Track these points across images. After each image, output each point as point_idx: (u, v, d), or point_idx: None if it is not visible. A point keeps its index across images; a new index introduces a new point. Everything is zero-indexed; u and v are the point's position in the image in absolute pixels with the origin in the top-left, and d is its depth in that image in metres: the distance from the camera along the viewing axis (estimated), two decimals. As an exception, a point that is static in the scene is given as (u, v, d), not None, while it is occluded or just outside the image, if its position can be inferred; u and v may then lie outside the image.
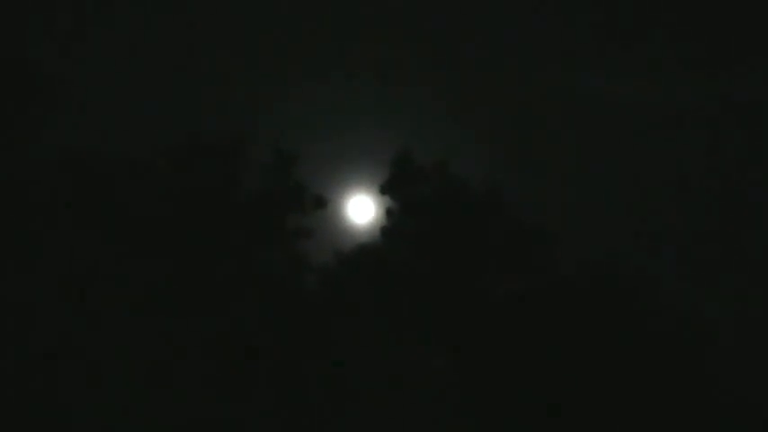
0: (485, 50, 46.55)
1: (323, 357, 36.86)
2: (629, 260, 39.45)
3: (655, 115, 44.73)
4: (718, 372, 38.30)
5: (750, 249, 41.08)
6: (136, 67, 42.58)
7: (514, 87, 44.36)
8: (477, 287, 39.04)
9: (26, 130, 38.12)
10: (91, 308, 35.89)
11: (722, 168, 43.16)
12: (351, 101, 44.28)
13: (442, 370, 37.69)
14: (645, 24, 46.82)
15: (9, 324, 35.15)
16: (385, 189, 40.15)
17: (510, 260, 39.51)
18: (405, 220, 40.03)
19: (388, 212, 40.10)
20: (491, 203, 39.90)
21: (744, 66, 45.13)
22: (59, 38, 42.01)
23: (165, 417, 34.90)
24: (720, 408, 37.65)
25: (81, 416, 34.38)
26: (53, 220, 36.77)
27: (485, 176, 40.16)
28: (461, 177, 40.18)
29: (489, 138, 43.66)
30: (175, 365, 35.65)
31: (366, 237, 40.24)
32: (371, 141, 42.74)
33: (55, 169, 37.57)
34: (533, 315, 38.17)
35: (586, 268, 39.49)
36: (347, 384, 36.63)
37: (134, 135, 38.75)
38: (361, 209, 41.21)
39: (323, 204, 39.48)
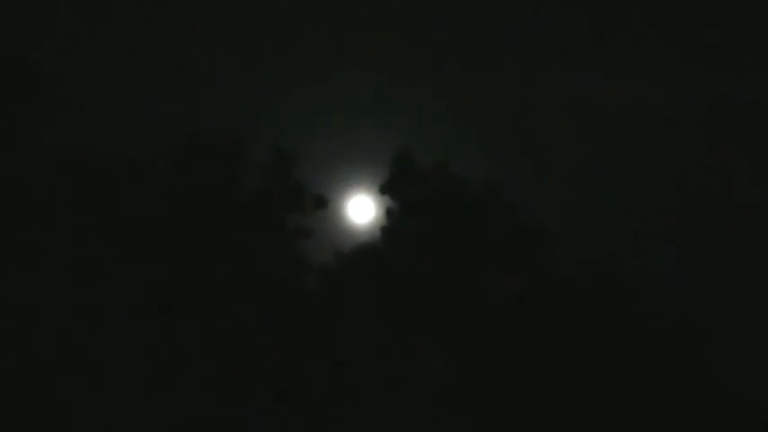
0: (485, 50, 46.56)
1: (323, 357, 36.86)
2: (629, 260, 39.45)
3: (655, 115, 44.74)
4: (718, 372, 38.30)
5: (750, 249, 41.08)
6: (136, 67, 42.59)
7: (514, 87, 44.37)
8: (477, 287, 39.04)
9: (26, 130, 38.11)
10: (91, 308, 35.88)
11: (722, 168, 43.16)
12: (351, 101, 44.30)
13: (442, 370, 37.69)
14: (645, 24, 46.82)
15: (9, 324, 35.14)
16: (385, 189, 40.15)
17: (510, 260, 39.51)
18: (405, 220, 40.03)
19: (388, 212, 40.10)
20: (491, 203, 39.90)
21: (744, 66, 45.13)
22: (59, 38, 42.01)
23: (165, 417, 34.90)
24: (720, 408, 37.65)
25: (81, 416, 34.37)
26: (53, 220, 36.76)
27: (485, 176, 40.18)
28: (461, 177, 40.18)
29: (489, 138, 43.67)
30: (175, 365, 35.64)
31: (366, 237, 40.26)
32: (371, 141, 42.76)
33: (55, 169, 37.56)
34: (533, 315, 38.18)
35: (586, 268, 39.49)
36: (347, 384, 36.63)
37: (134, 135, 38.76)
38: (361, 209, 41.24)
39: (323, 204, 39.48)
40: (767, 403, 37.94)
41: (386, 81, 45.02)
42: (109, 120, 39.53)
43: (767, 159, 43.24)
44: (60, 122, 38.57)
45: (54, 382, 34.65)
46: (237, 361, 36.21)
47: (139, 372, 35.26)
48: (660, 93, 44.69)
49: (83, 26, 43.62)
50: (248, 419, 35.67)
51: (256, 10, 45.86)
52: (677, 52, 45.81)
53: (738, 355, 38.65)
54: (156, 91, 41.34)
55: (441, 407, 36.79)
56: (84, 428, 34.32)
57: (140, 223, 37.42)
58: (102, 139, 38.51)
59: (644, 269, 39.42)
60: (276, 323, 37.09)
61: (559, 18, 46.60)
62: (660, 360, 37.90)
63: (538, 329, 37.93)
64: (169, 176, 38.55)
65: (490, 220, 39.82)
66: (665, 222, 41.47)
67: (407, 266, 39.21)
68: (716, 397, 37.79)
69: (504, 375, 37.46)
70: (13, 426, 33.86)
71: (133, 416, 34.61)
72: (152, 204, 37.92)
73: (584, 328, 38.15)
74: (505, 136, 43.80)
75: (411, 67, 45.52)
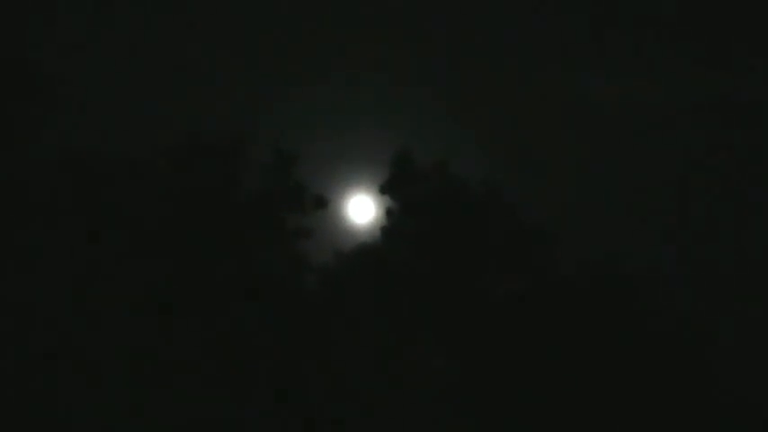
0: (485, 50, 46.56)
1: (323, 357, 36.86)
2: (629, 260, 39.46)
3: (655, 115, 44.75)
4: (718, 372, 38.30)
5: (750, 249, 41.08)
6: (136, 67, 42.60)
7: (514, 87, 44.38)
8: (477, 287, 39.04)
9: (26, 130, 38.12)
10: (91, 308, 35.89)
11: (722, 168, 43.16)
12: (351, 101, 44.31)
13: (442, 370, 37.69)
14: (645, 24, 46.82)
15: (9, 324, 35.14)
16: (385, 189, 40.16)
17: (510, 260, 39.52)
18: (405, 220, 40.04)
19: (388, 212, 40.11)
20: (491, 203, 39.90)
21: (744, 66, 45.14)
22: (59, 38, 42.01)
23: (165, 417, 34.90)
24: (720, 408, 37.65)
25: (81, 416, 34.37)
26: (53, 220, 36.76)
27: (485, 176, 40.18)
28: (461, 177, 40.18)
29: (489, 138, 43.68)
30: (175, 365, 35.64)
31: (366, 237, 40.26)
32: (371, 141, 42.77)
33: (55, 169, 37.56)
34: (533, 315, 38.18)
35: (586, 268, 39.49)
36: (347, 384, 36.63)
37: (134, 135, 38.76)
38: (361, 209, 41.24)
39: (323, 204, 39.48)
40: (767, 403, 37.94)
41: (386, 81, 45.05)
42: (109, 120, 39.54)
43: (767, 159, 43.25)
44: (60, 122, 38.57)
45: (54, 382, 34.65)
46: (237, 361, 36.21)
47: (139, 372, 35.25)
48: (660, 93, 44.71)
49: (83, 26, 43.64)
50: (248, 419, 35.66)
51: (256, 10, 45.88)
52: (677, 52, 45.83)
53: (738, 355, 38.65)
54: (156, 91, 41.37)
55: (441, 407, 36.78)
56: (84, 428, 34.31)
57: (140, 223, 37.42)
58: (102, 139, 38.52)
59: (644, 269, 39.42)
60: (276, 323, 37.09)
61: (559, 18, 46.62)
62: (660, 360, 37.90)
63: (538, 329, 37.93)
64: (169, 176, 38.55)
65: (490, 220, 39.83)
66: (665, 222, 41.49)
67: (407, 266, 39.21)
68: (716, 397, 37.80)
69: (504, 375, 37.46)
70: (13, 426, 33.86)
71: (133, 416, 34.60)
72: (152, 204, 37.92)
73: (585, 328, 38.15)
74: (505, 136, 43.83)
75: (411, 67, 45.56)
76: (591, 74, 45.50)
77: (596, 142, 43.73)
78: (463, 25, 47.20)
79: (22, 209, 36.61)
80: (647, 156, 43.49)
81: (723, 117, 44.33)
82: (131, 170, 38.21)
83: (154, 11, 44.06)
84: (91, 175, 37.71)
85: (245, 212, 38.77)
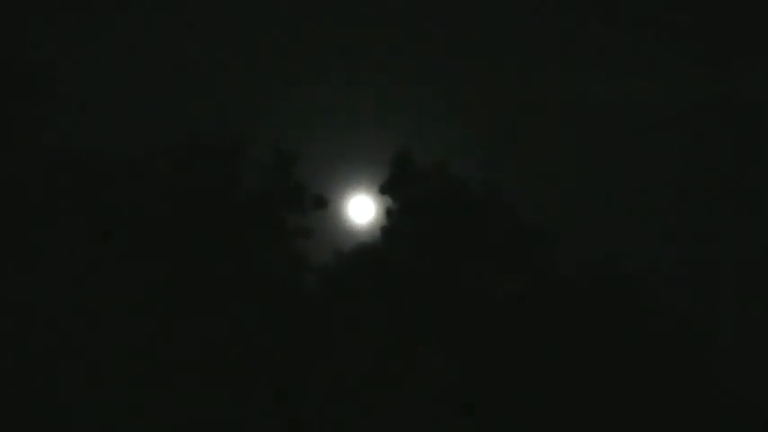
0: (485, 50, 46.57)
1: (323, 357, 36.86)
2: (629, 260, 39.46)
3: (655, 115, 44.74)
4: (718, 372, 38.31)
5: (750, 249, 41.09)
6: (136, 67, 42.60)
7: (514, 87, 44.37)
8: (477, 287, 39.04)
9: (26, 130, 38.11)
10: (91, 308, 35.88)
11: (722, 168, 43.17)
12: (351, 101, 44.31)
13: (442, 370, 37.69)
14: (645, 24, 46.82)
15: (9, 324, 35.14)
16: (385, 189, 40.16)
17: (510, 260, 39.51)
18: (405, 220, 40.04)
19: (388, 212, 40.11)
20: (491, 203, 39.90)
21: (744, 66, 45.15)
22: (59, 38, 42.02)
23: (165, 417, 34.90)
24: (720, 408, 37.65)
25: (81, 416, 34.37)
26: (53, 220, 36.76)
27: (485, 176, 40.18)
28: (461, 177, 40.18)
29: (489, 138, 43.68)
30: (175, 365, 35.64)
31: (366, 237, 40.26)
32: (371, 141, 42.78)
33: (55, 169, 37.56)
34: (533, 315, 38.17)
35: (586, 268, 39.49)
36: (347, 384, 36.63)
37: (134, 135, 38.76)
38: (361, 209, 41.25)
39: (323, 204, 39.47)
40: (767, 403, 37.94)
41: (386, 81, 45.06)
42: (109, 120, 39.55)
43: (767, 159, 43.25)
44: (60, 122, 38.57)
45: (54, 382, 34.65)
46: (237, 361, 36.21)
47: (139, 372, 35.25)
48: (660, 93, 44.71)
49: (83, 26, 43.65)
50: (248, 419, 35.66)
51: (256, 10, 45.88)
52: (677, 52, 45.84)
53: (738, 355, 38.66)
54: (156, 91, 41.37)
55: (441, 407, 36.78)
56: (84, 428, 34.31)
57: (140, 223, 37.42)
58: (102, 139, 38.52)
59: (644, 269, 39.43)
60: (276, 323, 37.09)
61: (559, 18, 46.63)
62: (660, 360, 37.91)
63: (538, 329, 37.93)
64: (169, 176, 38.55)
65: (490, 220, 39.82)
66: (665, 222, 41.48)
67: (407, 266, 39.21)
68: (716, 397, 37.80)
69: (504, 375, 37.46)
70: (13, 426, 33.86)
71: (133, 416, 34.60)
72: (152, 204, 37.92)
73: (585, 328, 38.15)
74: (505, 136, 43.82)
75: (411, 67, 45.56)
76: (591, 74, 45.52)
77: (596, 142, 43.75)
78: (463, 25, 47.22)
79: (22, 209, 36.60)
80: (647, 156, 43.51)
81: (723, 117, 44.34)
82: (131, 170, 38.21)
83: (154, 11, 44.09)
84: (91, 175, 37.70)
85: (245, 212, 38.77)
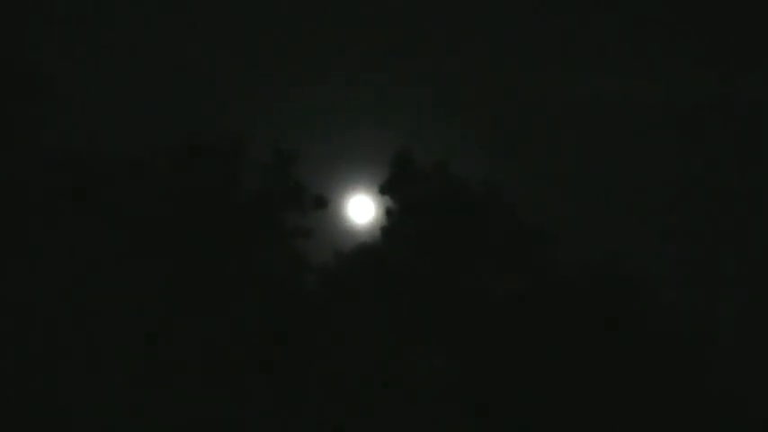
0: (485, 50, 46.56)
1: (323, 357, 36.85)
2: (629, 260, 39.45)
3: (655, 115, 44.75)
4: (718, 371, 38.30)
5: (750, 249, 41.09)
6: (136, 67, 42.59)
7: (514, 87, 44.36)
8: (478, 287, 39.03)
9: (26, 130, 38.10)
10: (91, 308, 35.88)
11: (722, 168, 43.16)
12: (351, 101, 44.30)
13: (442, 370, 37.68)
14: (645, 24, 46.82)
15: (9, 324, 35.14)
16: (385, 189, 40.15)
17: (510, 260, 39.51)
18: (405, 220, 40.03)
19: (388, 212, 40.11)
20: (491, 203, 39.89)
21: (744, 66, 45.14)
22: (59, 38, 42.00)
23: (165, 417, 34.90)
24: (720, 407, 37.64)
25: (81, 416, 34.37)
26: (53, 220, 36.75)
27: (485, 176, 40.17)
28: (461, 177, 40.17)
29: (489, 138, 43.68)
30: (175, 365, 35.63)
31: (366, 237, 40.26)
32: (371, 141, 42.77)
33: (55, 169, 37.56)
34: (533, 315, 38.17)
35: (586, 268, 39.48)
36: (347, 384, 36.62)
37: (134, 135, 38.75)
38: (361, 209, 41.25)
39: (323, 204, 39.46)
40: (767, 403, 37.94)
41: (386, 81, 45.05)
42: (109, 120, 39.54)
43: (767, 159, 43.25)
44: (60, 122, 38.56)
45: (54, 382, 34.64)
46: (237, 361, 36.20)
47: (139, 372, 35.25)
48: (660, 93, 44.70)
49: (83, 26, 43.64)
50: (248, 419, 35.66)
51: (256, 10, 45.88)
52: (677, 52, 45.83)
53: (738, 355, 38.66)
54: (156, 91, 41.36)
55: (441, 407, 36.77)
56: (84, 428, 34.31)
57: (140, 223, 37.41)
58: (102, 139, 38.51)
59: (644, 269, 39.42)
60: (276, 323, 37.08)
61: (559, 18, 46.62)
62: (660, 360, 37.90)
63: (538, 329, 37.92)
64: (169, 176, 38.54)
65: (490, 220, 39.82)
66: (665, 222, 41.48)
67: (407, 266, 39.20)
68: (716, 397, 37.79)
69: (504, 375, 37.45)
70: (13, 426, 33.86)
71: (133, 416, 34.60)
72: (152, 204, 37.91)
73: (585, 328, 38.14)
74: (505, 136, 43.82)
75: (411, 67, 45.54)
76: (591, 74, 45.50)
77: (596, 142, 43.74)
78: (463, 25, 47.22)
79: (22, 209, 36.60)
80: (647, 156, 43.50)
81: (723, 117, 44.33)
82: (131, 170, 38.20)
83: (154, 11, 44.07)
84: (91, 175, 37.69)
85: (245, 212, 38.76)
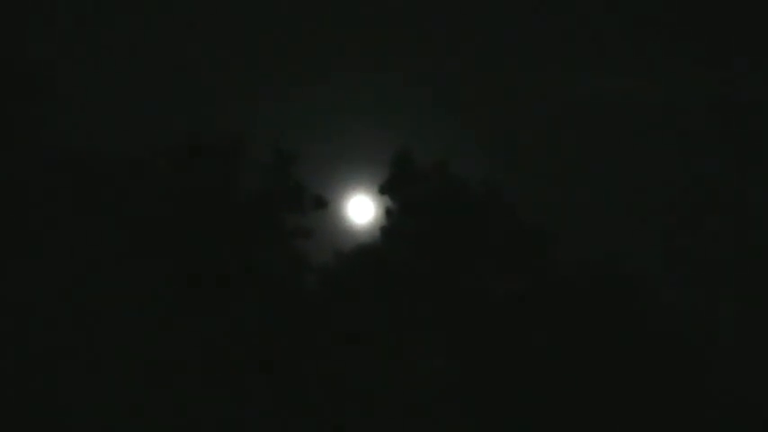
0: (485, 50, 46.56)
1: (323, 357, 36.86)
2: (629, 260, 39.45)
3: (655, 115, 44.72)
4: (718, 371, 38.30)
5: (750, 249, 41.08)
6: (136, 67, 42.58)
7: (514, 87, 44.35)
8: (477, 287, 39.04)
9: (26, 130, 38.11)
10: (91, 308, 35.88)
11: (722, 168, 43.15)
12: (351, 101, 44.29)
13: (442, 370, 37.68)
14: (645, 24, 46.81)
15: (9, 324, 35.14)
16: (385, 189, 40.16)
17: (510, 260, 39.51)
18: (405, 220, 40.03)
19: (388, 212, 40.11)
20: (491, 203, 39.90)
21: (744, 66, 45.11)
22: (59, 38, 42.00)
23: (165, 417, 34.90)
24: (720, 408, 37.65)
25: (81, 416, 34.37)
26: (53, 220, 36.76)
27: (485, 176, 40.17)
28: (461, 177, 40.18)
29: (489, 138, 43.65)
30: (175, 365, 35.64)
31: (366, 237, 40.26)
32: (371, 141, 42.76)
33: (55, 169, 37.56)
34: (533, 315, 38.17)
35: (586, 268, 39.49)
36: (347, 384, 36.62)
37: (134, 135, 38.76)
38: (361, 209, 41.25)
39: (323, 204, 39.47)
40: (767, 403, 37.94)
41: (386, 81, 45.02)
42: (109, 120, 39.54)
43: (767, 159, 43.24)
44: (60, 122, 38.57)
45: (54, 382, 34.64)
46: (237, 361, 36.20)
47: (139, 372, 35.25)
48: (660, 93, 44.68)
49: (83, 26, 43.63)
50: (248, 419, 35.66)
51: (256, 10, 45.87)
52: (677, 52, 45.81)
53: (738, 355, 38.66)
54: (156, 91, 41.36)
55: (441, 407, 36.77)
56: (84, 428, 34.31)
57: (140, 223, 37.42)
58: (102, 139, 38.52)
59: (644, 269, 39.43)
60: (276, 323, 37.08)
61: (559, 18, 46.61)
62: (660, 360, 37.90)
63: (538, 329, 37.92)
64: (169, 176, 38.55)
65: (490, 220, 39.82)
66: (664, 222, 41.48)
67: (407, 266, 39.21)
68: (716, 397, 37.79)
69: (504, 375, 37.45)
70: (13, 426, 33.86)
71: (133, 416, 34.60)
72: (152, 204, 37.92)
73: (585, 328, 38.15)
74: (505, 136, 43.80)
75: (411, 67, 45.52)
76: (591, 74, 45.49)
77: (596, 142, 43.72)
78: (463, 25, 47.21)
79: (22, 209, 36.60)
80: (647, 156, 43.47)
81: (723, 117, 44.31)
82: (131, 170, 38.21)
83: (154, 11, 44.06)
84: (91, 175, 37.70)
85: (245, 212, 38.77)
